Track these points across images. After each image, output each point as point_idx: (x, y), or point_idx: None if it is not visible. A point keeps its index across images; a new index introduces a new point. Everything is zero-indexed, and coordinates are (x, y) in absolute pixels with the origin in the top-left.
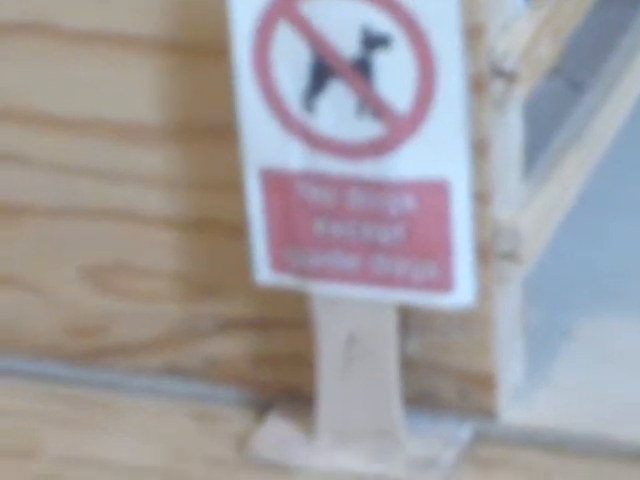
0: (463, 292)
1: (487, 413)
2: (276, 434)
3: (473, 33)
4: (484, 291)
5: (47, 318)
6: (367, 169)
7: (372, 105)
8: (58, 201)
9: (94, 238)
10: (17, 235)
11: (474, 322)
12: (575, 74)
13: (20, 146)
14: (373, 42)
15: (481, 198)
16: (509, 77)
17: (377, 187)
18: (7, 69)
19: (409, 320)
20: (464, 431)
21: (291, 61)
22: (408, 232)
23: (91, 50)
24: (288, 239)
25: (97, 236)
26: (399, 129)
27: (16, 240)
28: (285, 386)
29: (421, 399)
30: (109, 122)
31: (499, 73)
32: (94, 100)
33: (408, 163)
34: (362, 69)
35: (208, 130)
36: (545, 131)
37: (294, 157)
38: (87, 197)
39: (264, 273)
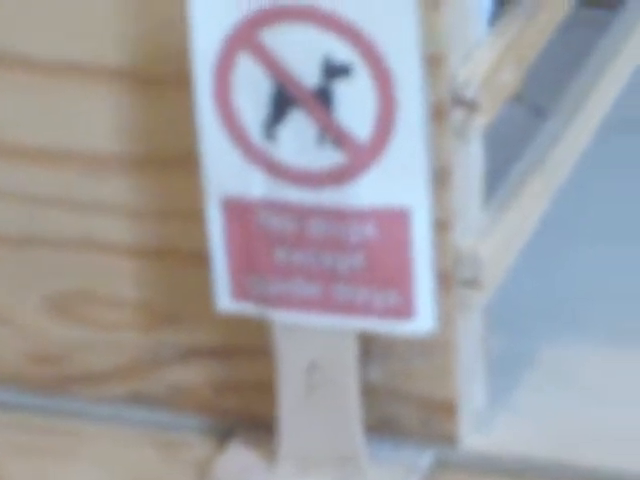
0: (424, 319)
1: (449, 440)
2: (238, 462)
3: (434, 61)
4: (445, 318)
5: (10, 346)
6: (328, 197)
7: (333, 134)
8: (21, 231)
9: (57, 267)
10: None
11: (435, 349)
12: (537, 100)
13: None
14: (334, 71)
15: (442, 226)
16: (470, 106)
17: (338, 215)
18: None
19: (370, 347)
20: (425, 458)
21: (252, 90)
22: (368, 260)
23: (53, 80)
24: (249, 267)
25: (60, 265)
26: (360, 157)
27: None
28: (247, 413)
29: (382, 426)
30: (70, 152)
31: (460, 102)
32: (55, 130)
33: (368, 191)
34: (323, 98)
35: (169, 159)
36: (507, 158)
37: (255, 186)
38: (50, 226)
39: (225, 301)
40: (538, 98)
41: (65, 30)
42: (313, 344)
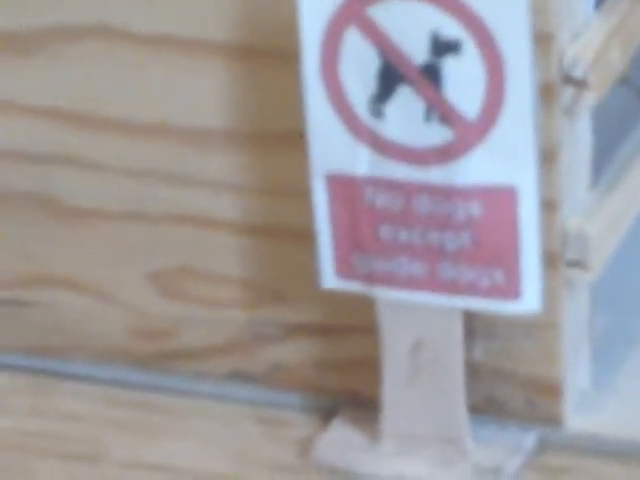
0: (530, 299)
1: (553, 421)
2: (340, 440)
3: (543, 40)
4: (551, 298)
5: (113, 322)
6: (434, 175)
7: (440, 111)
8: (126, 206)
9: (161, 243)
10: (84, 239)
11: (541, 329)
12: None
13: (89, 150)
14: (443, 48)
15: (549, 205)
16: (579, 84)
17: (444, 193)
18: (75, 74)
19: (474, 327)
20: (529, 439)
21: (359, 66)
22: (475, 238)
23: (161, 54)
24: (354, 245)
25: (164, 241)
26: (467, 135)
27: (83, 244)
28: (350, 392)
29: (486, 406)
30: (178, 127)
31: (569, 80)
32: (164, 105)
33: (476, 169)
34: (431, 75)
35: (275, 135)
36: (613, 140)
37: (361, 163)
38: (155, 202)
39: (330, 279)
40: None
41: (171, 4)
42: (418, 323)
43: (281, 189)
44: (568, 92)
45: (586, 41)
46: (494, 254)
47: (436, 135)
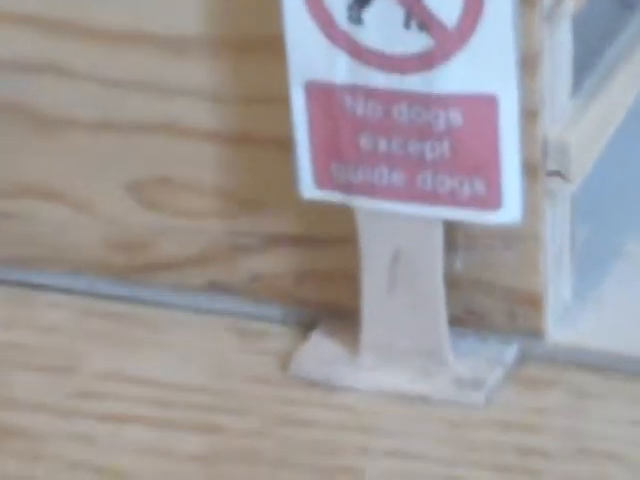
0: (511, 209)
1: (534, 333)
2: (319, 352)
3: None
4: (532, 208)
5: (89, 234)
6: (414, 83)
7: (419, 18)
8: (102, 115)
9: (137, 153)
10: (59, 149)
11: (521, 240)
12: None
13: (64, 58)
14: None
15: (530, 114)
16: None
17: (424, 102)
18: None
19: (455, 238)
20: (510, 351)
21: None
22: (455, 148)
23: None
24: (333, 154)
25: (140, 151)
26: (447, 42)
27: (58, 154)
28: (330, 304)
29: (466, 319)
30: (155, 34)
31: None
32: (140, 12)
33: (456, 77)
34: None
35: (252, 42)
36: (594, 49)
37: (340, 70)
38: (131, 111)
39: (308, 188)
40: None
41: None
42: (397, 233)
43: (259, 97)
44: None
45: None
46: (474, 163)
47: (415, 42)
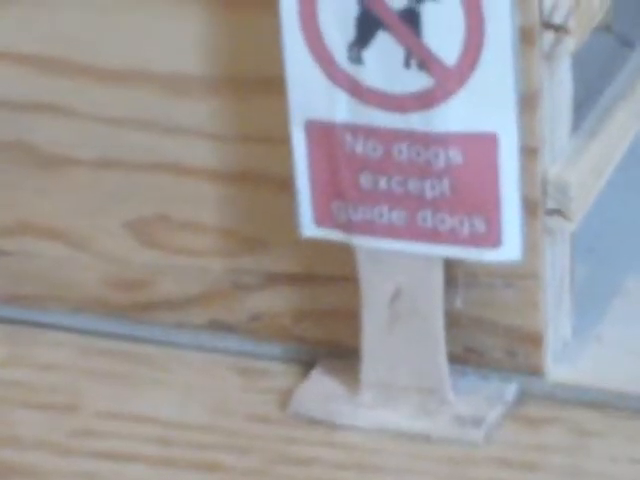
0: (511, 247)
1: (534, 371)
2: (320, 390)
3: None
4: (532, 247)
5: (90, 272)
6: (414, 122)
7: (419, 57)
8: (102, 153)
9: (138, 191)
10: (59, 187)
11: (521, 278)
12: (625, 31)
13: (65, 97)
14: None
15: (529, 152)
16: (559, 29)
17: (424, 140)
18: (52, 20)
19: (455, 275)
20: (510, 389)
21: (338, 12)
22: (455, 186)
23: (138, 0)
24: (333, 192)
25: (141, 189)
26: (447, 81)
27: (58, 192)
28: (330, 342)
29: (467, 356)
30: (155, 74)
31: (549, 25)
32: (140, 51)
33: (456, 116)
34: (410, 20)
35: (254, 82)
36: (594, 87)
37: (340, 109)
38: (132, 149)
39: (309, 227)
40: (626, 29)
41: None
42: (397, 271)
43: (259, 136)
44: (548, 37)
45: None
46: (474, 202)
47: (415, 81)
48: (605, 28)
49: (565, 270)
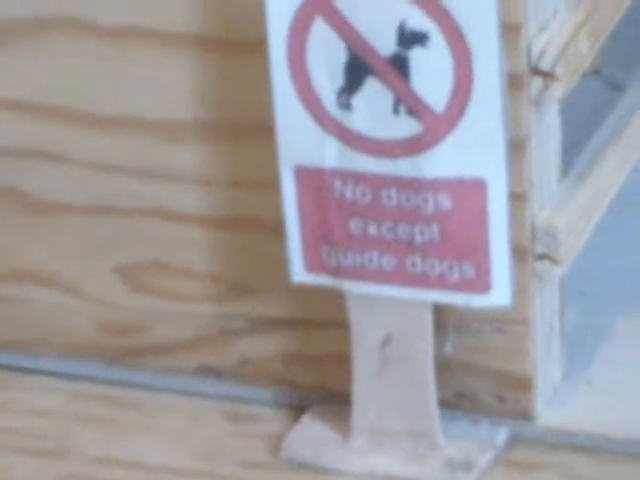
0: (500, 292)
1: (524, 415)
2: (311, 435)
3: (511, 31)
4: (521, 291)
5: (82, 317)
6: (403, 168)
7: (408, 103)
8: (94, 199)
9: (130, 236)
10: (53, 233)
11: (511, 323)
12: (614, 74)
13: (58, 144)
14: (410, 39)
15: (518, 198)
16: (547, 75)
17: (413, 186)
18: (43, 67)
19: (445, 321)
20: (501, 434)
21: (327, 58)
22: (444, 232)
23: (128, 47)
24: (323, 238)
25: (133, 235)
26: (436, 127)
27: (52, 238)
28: (320, 387)
29: (457, 401)
30: (146, 120)
31: (537, 71)
32: (131, 98)
33: (444, 162)
34: (398, 66)
35: (244, 128)
36: (583, 132)
37: (329, 155)
38: (123, 195)
39: (299, 272)
40: (615, 72)
41: None
42: (388, 317)
43: (250, 181)
44: (536, 83)
45: (554, 32)
46: (464, 247)
47: (404, 127)
48: (594, 72)
49: (554, 314)
